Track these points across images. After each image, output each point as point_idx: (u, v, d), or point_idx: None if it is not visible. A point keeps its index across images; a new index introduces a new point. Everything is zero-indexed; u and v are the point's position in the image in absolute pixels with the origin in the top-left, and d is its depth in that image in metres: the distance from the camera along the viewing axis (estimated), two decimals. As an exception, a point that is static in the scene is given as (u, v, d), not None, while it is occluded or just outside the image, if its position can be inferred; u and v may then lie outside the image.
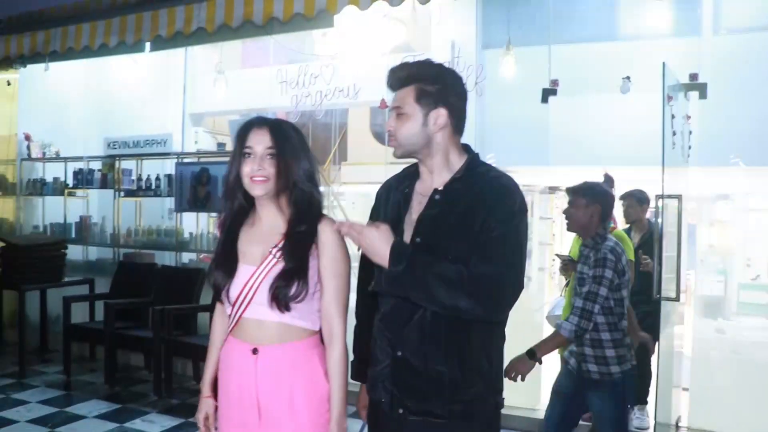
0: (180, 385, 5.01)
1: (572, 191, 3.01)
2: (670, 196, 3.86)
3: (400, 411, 1.71)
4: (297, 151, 1.76)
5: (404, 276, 1.58)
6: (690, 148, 4.52)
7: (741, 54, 5.24)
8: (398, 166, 1.93)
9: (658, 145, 3.64)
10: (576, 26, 5.79)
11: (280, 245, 1.75)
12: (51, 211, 6.69)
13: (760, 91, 5.04)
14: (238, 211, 1.82)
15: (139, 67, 6.68)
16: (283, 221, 1.78)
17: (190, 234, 5.92)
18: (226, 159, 6.25)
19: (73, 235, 6.52)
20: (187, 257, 6.01)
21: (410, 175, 1.85)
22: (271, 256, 1.75)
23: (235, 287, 1.76)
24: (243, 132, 1.78)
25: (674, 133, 3.89)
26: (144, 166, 6.23)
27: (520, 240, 1.67)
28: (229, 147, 6.12)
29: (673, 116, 3.86)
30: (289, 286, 1.70)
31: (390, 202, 1.85)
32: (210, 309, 5.00)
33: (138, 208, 6.33)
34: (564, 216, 3.06)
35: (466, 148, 1.81)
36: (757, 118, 5.02)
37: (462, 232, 1.65)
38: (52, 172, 6.71)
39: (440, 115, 1.71)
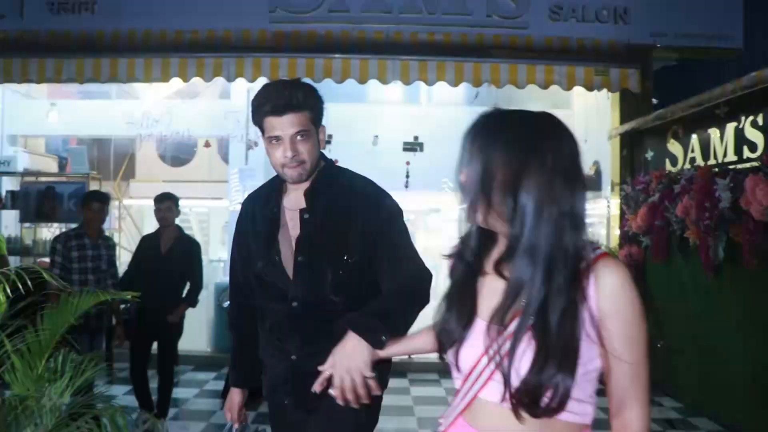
0: None
1: None
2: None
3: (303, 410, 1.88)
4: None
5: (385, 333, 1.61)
6: (408, 178, 7.22)
7: (447, 119, 8.07)
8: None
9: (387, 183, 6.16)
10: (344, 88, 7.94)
11: (533, 300, 1.10)
12: None
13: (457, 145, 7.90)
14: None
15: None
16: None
17: (33, 241, 6.98)
18: (66, 179, 7.16)
19: None
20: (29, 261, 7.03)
21: (275, 192, 1.95)
22: (521, 319, 1.11)
23: (470, 352, 1.18)
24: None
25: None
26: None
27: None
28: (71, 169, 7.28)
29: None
30: (545, 383, 1.08)
31: (258, 219, 1.95)
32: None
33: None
34: None
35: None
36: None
37: (342, 246, 1.85)
38: None
39: (322, 130, 1.90)
